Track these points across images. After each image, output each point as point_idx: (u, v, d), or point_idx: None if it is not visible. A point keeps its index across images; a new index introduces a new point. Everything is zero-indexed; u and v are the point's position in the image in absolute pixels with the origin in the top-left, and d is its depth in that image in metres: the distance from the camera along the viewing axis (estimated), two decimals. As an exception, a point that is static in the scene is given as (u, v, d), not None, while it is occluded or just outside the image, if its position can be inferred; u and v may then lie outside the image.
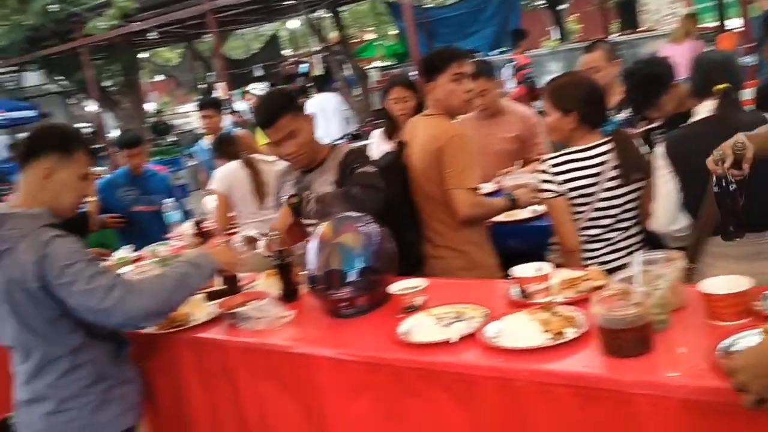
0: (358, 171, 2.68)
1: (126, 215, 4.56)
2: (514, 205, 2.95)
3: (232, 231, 4.24)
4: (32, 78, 18.84)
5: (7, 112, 12.29)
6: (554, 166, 2.65)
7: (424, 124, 2.97)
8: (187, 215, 4.61)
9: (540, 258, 2.36)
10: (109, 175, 5.24)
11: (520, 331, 1.82)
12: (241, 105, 11.52)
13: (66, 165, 2.17)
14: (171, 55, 22.60)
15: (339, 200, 2.62)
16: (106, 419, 2.18)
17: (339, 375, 2.03)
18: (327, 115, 7.91)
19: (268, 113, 2.70)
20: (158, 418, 2.52)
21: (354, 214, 2.39)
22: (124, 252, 3.88)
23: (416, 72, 4.08)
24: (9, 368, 2.29)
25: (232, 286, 2.63)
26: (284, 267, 2.50)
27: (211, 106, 5.85)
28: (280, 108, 2.67)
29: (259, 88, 13.47)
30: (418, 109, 3.85)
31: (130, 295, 2.04)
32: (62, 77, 16.03)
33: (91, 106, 17.03)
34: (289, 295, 2.49)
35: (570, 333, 1.76)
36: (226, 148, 4.51)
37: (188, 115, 19.93)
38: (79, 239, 2.15)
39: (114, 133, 13.60)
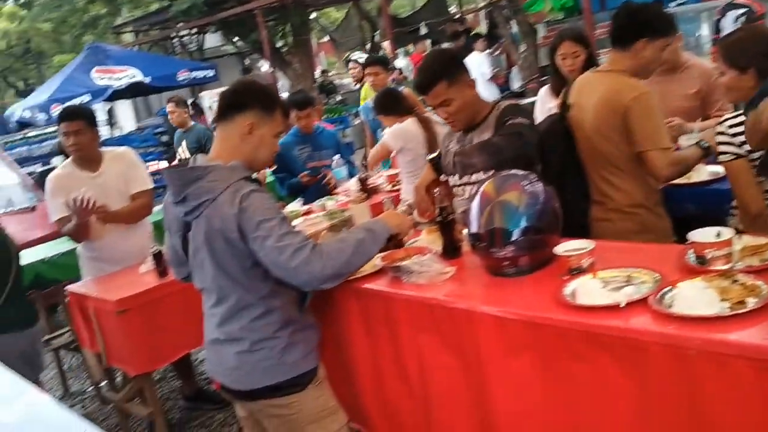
0: (507, 122, 2.63)
1: (304, 172, 4.80)
2: (707, 152, 2.76)
3: (396, 189, 4.33)
4: (211, 40, 19.99)
5: (188, 72, 13.16)
6: (732, 126, 2.45)
7: (600, 81, 2.82)
8: (352, 172, 4.75)
9: (717, 223, 2.21)
10: (285, 136, 5.51)
11: (694, 298, 1.72)
12: (402, 62, 11.58)
13: (267, 121, 2.27)
14: (338, 14, 23.12)
15: (477, 151, 2.60)
16: (292, 360, 2.30)
17: (499, 333, 2.02)
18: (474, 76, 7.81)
19: (425, 80, 2.71)
20: (325, 363, 2.64)
21: (519, 172, 2.34)
22: (295, 206, 4.08)
23: (585, 26, 3.89)
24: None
25: (396, 241, 2.69)
26: (446, 224, 2.51)
27: (377, 63, 5.92)
28: (436, 75, 2.66)
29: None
30: (588, 64, 3.69)
31: (315, 258, 2.11)
32: (238, 38, 16.89)
33: (265, 66, 17.85)
34: (450, 252, 2.51)
35: (751, 303, 1.65)
36: (391, 104, 4.54)
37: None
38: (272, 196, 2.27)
39: (285, 93, 14.19)
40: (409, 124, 4.28)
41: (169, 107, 7.31)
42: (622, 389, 1.76)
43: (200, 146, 6.77)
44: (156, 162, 9.93)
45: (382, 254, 2.56)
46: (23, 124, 12.23)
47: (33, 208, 6.49)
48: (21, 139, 11.92)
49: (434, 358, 2.27)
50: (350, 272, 2.28)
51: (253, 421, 2.50)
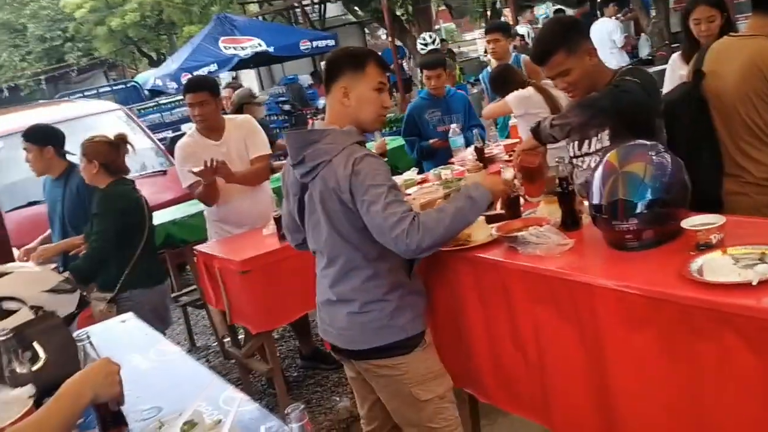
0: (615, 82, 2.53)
1: (433, 136, 4.82)
2: None
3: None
4: (332, 9, 20.24)
5: (310, 42, 13.42)
6: None
7: (742, 46, 2.65)
8: (482, 135, 4.68)
9: None
10: (415, 99, 5.53)
11: (837, 279, 1.61)
12: (524, 29, 11.28)
13: (359, 80, 2.31)
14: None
15: (573, 108, 2.52)
16: (401, 323, 2.37)
17: (620, 307, 1.96)
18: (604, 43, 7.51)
19: (541, 50, 2.63)
20: (437, 329, 2.67)
21: (645, 142, 2.25)
22: (410, 174, 4.10)
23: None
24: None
25: (513, 211, 2.66)
26: (566, 195, 2.45)
27: (498, 29, 5.80)
28: (554, 45, 2.58)
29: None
30: (725, 30, 3.47)
31: (414, 230, 2.13)
32: (358, 7, 17.00)
33: (385, 35, 17.89)
34: (569, 224, 2.45)
35: None
36: (503, 84, 4.48)
37: (474, 43, 20.07)
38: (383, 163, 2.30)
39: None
40: (531, 91, 4.22)
41: (226, 93, 6.85)
42: (749, 370, 1.67)
43: None
44: (278, 130, 10.21)
45: (498, 224, 2.54)
46: (155, 92, 12.89)
47: (164, 172, 6.84)
48: (153, 106, 12.58)
49: (551, 330, 2.24)
50: (449, 239, 2.31)
51: (362, 382, 2.58)
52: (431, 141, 4.85)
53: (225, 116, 4.24)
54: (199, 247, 4.14)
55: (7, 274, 2.29)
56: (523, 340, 2.38)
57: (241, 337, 4.46)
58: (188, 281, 5.91)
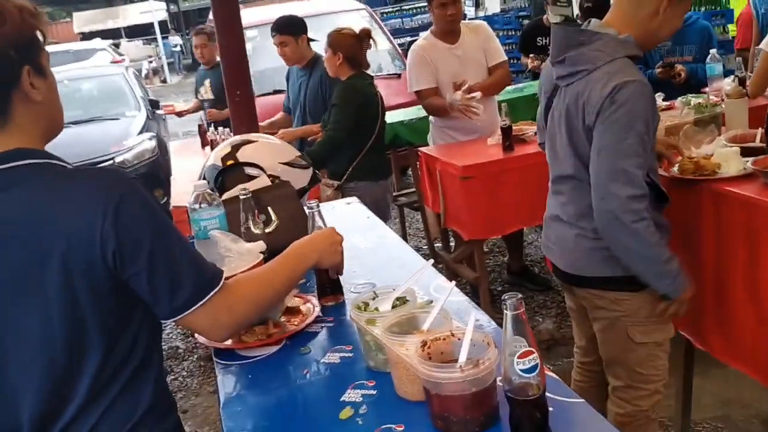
0: None
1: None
2: None
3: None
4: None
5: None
6: None
7: None
8: (726, 72, 4.22)
9: None
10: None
11: None
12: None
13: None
14: None
15: None
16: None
17: None
18: None
19: None
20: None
21: None
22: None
23: None
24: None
25: None
26: None
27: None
28: None
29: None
30: None
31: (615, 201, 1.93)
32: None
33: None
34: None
35: None
36: None
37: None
38: None
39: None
40: None
41: (198, 40, 5.90)
42: None
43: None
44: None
45: (755, 158, 2.26)
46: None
47: (398, 75, 6.98)
48: (396, 11, 12.78)
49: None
50: None
51: (581, 316, 2.41)
52: (656, 67, 4.38)
53: (462, 22, 4.17)
54: (423, 149, 4.20)
55: (252, 142, 2.46)
56: (761, 291, 2.14)
57: (451, 243, 4.52)
58: (407, 184, 6.07)
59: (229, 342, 1.69)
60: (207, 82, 5.91)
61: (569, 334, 3.07)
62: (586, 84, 1.97)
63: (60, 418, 1.24)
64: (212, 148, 3.85)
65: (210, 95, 5.88)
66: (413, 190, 5.25)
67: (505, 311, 1.10)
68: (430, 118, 4.39)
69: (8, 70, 1.18)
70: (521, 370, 1.10)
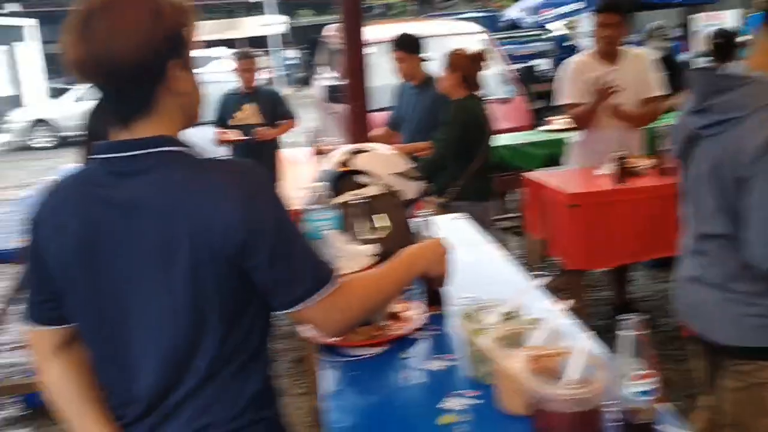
0: None
1: None
2: None
3: None
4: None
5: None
6: None
7: None
8: None
9: None
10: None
11: None
12: None
13: None
14: None
15: None
16: None
17: None
18: None
19: None
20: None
21: None
22: None
23: None
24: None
25: None
26: None
27: None
28: None
29: None
30: None
31: None
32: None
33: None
34: None
35: None
36: None
37: None
38: None
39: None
40: None
41: (244, 64, 5.64)
42: None
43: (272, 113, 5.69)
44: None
45: None
46: (512, 25, 13.02)
47: (508, 100, 6.96)
48: (508, 37, 12.76)
49: None
50: None
51: (709, 365, 2.12)
52: None
53: (625, 47, 4.14)
54: (529, 175, 4.18)
55: (365, 151, 2.52)
56: None
57: (551, 274, 4.44)
58: (508, 209, 6.02)
59: (335, 339, 1.73)
60: (247, 106, 5.69)
61: (668, 376, 2.94)
62: (737, 132, 1.77)
63: (173, 395, 1.29)
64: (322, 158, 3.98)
65: (257, 119, 5.64)
66: (514, 215, 5.21)
67: (622, 332, 1.08)
68: (575, 137, 4.33)
69: (159, 64, 1.25)
70: (636, 393, 1.07)
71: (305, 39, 28.31)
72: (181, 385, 1.29)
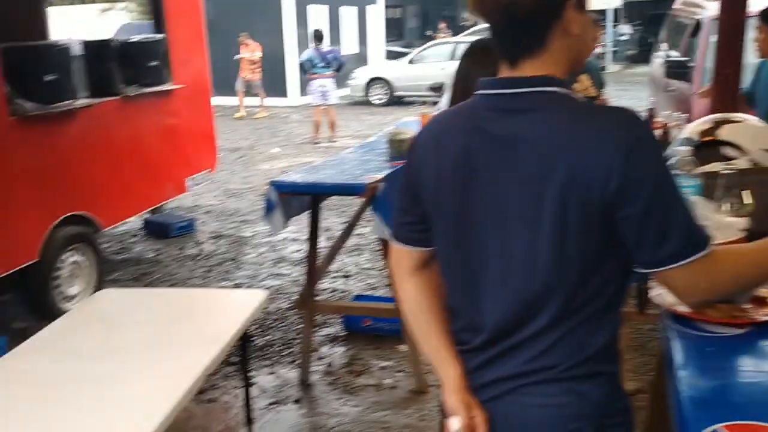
0: None
1: None
2: None
3: None
4: None
5: None
6: None
7: None
8: None
9: None
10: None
11: None
12: None
13: None
14: None
15: None
16: None
17: None
18: None
19: None
20: None
21: None
22: None
23: None
24: None
25: None
26: None
27: None
28: None
29: None
30: None
31: None
32: None
33: None
34: None
35: None
36: None
37: None
38: None
39: None
40: None
41: None
42: None
43: None
44: None
45: None
46: None
47: None
48: None
49: None
50: None
51: None
52: None
53: None
54: None
55: (733, 122, 2.31)
56: None
57: None
58: None
59: (688, 310, 1.62)
60: (583, 77, 5.53)
61: None
62: None
63: (518, 334, 1.30)
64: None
65: (593, 91, 5.55)
66: None
67: None
68: None
69: (557, 3, 1.25)
70: None
71: (640, 15, 26.79)
72: (528, 324, 1.29)
